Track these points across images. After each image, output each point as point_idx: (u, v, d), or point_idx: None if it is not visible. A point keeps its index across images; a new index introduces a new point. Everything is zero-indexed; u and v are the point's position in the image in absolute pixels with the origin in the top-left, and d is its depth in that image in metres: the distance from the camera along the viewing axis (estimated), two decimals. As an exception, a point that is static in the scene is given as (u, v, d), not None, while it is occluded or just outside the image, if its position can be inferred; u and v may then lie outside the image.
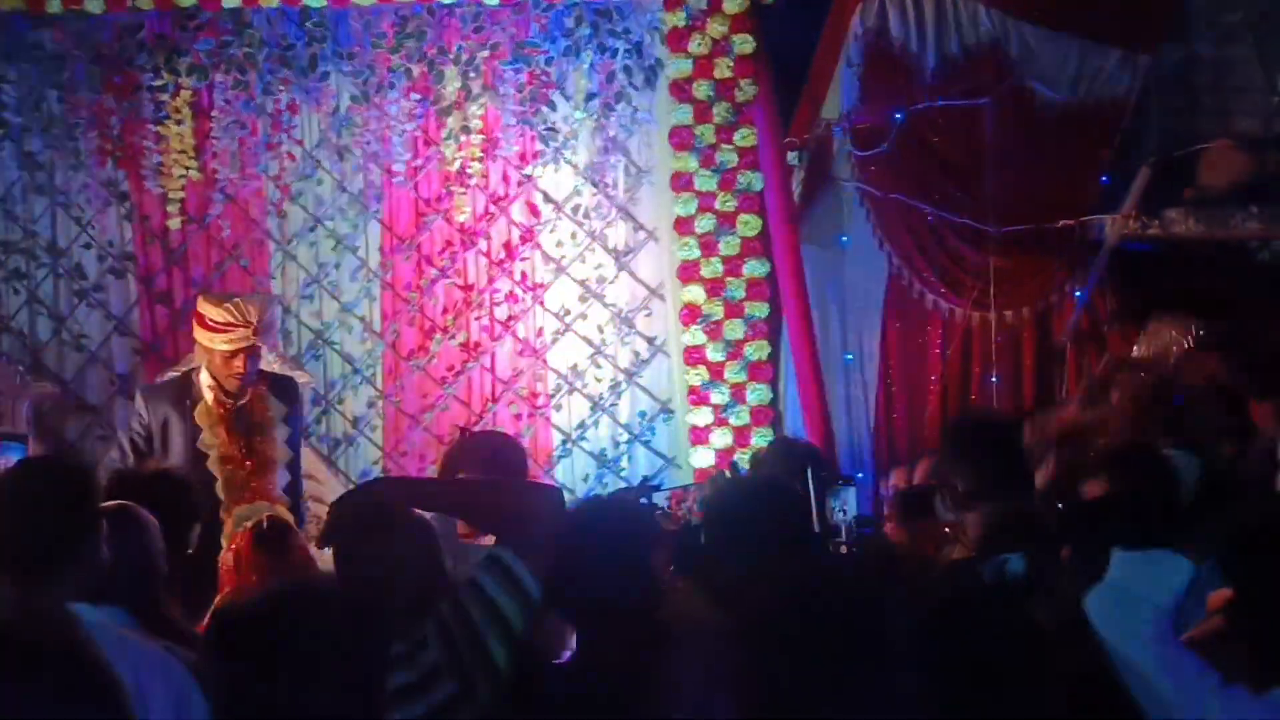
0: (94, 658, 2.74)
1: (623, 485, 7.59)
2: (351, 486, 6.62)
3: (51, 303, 8.15)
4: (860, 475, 8.02)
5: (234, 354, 6.27)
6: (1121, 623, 3.03)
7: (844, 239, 8.31)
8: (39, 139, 7.84)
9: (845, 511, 4.50)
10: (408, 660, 3.34)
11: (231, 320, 6.24)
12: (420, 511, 3.66)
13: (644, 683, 3.47)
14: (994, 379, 8.14)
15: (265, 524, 4.87)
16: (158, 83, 7.76)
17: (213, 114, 7.83)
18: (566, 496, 7.58)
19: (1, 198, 8.08)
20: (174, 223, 7.98)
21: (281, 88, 7.84)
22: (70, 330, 8.14)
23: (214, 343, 6.29)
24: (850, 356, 8.30)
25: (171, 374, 6.94)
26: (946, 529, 4.60)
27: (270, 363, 7.05)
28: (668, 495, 4.64)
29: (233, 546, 4.83)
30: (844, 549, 4.50)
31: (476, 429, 7.58)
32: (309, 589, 2.84)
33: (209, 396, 6.36)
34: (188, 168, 7.86)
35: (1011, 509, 4.40)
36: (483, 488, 4.30)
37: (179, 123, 7.82)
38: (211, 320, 6.30)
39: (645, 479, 4.42)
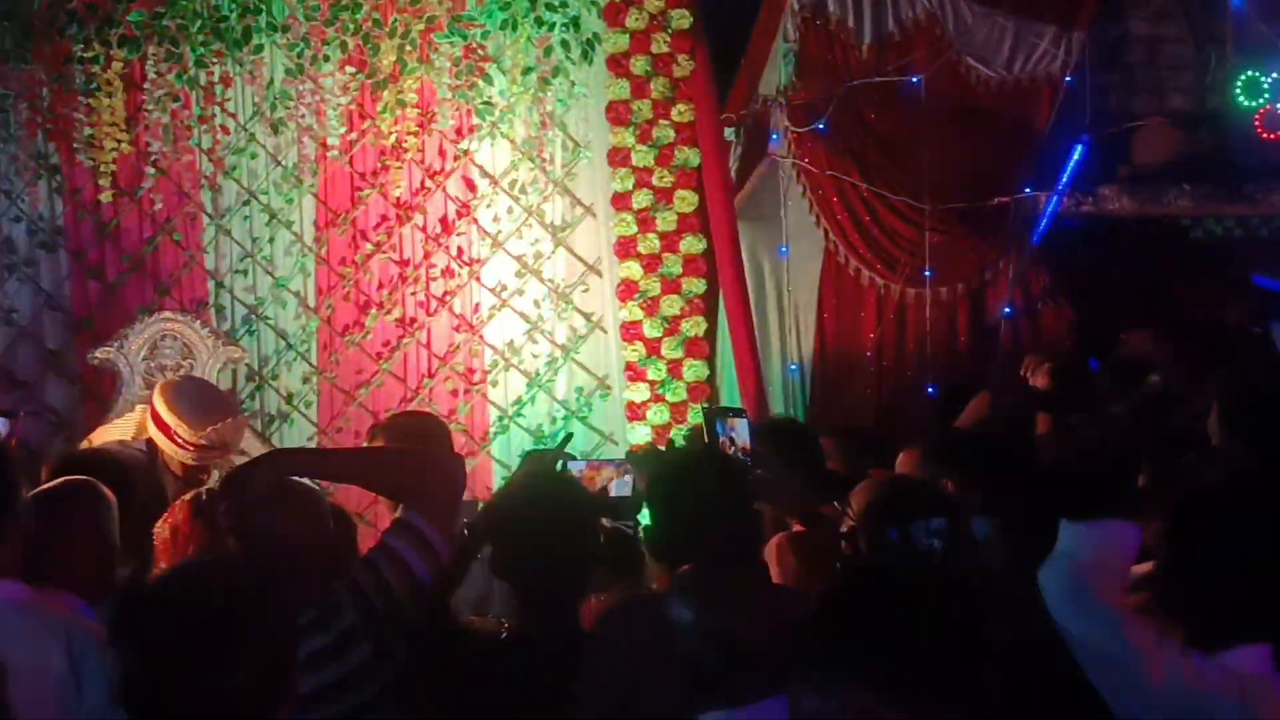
0: None
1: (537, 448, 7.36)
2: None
3: None
4: None
5: (199, 465, 5.83)
6: (1077, 594, 2.99)
7: (780, 215, 8.31)
8: None
9: (734, 442, 4.51)
10: (320, 625, 3.39)
11: (208, 445, 5.77)
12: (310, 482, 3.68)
13: (576, 668, 3.48)
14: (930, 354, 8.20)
15: (204, 495, 4.65)
16: (89, 54, 7.65)
17: (145, 86, 7.73)
18: (501, 471, 7.91)
19: None
20: (105, 196, 7.87)
21: (214, 60, 7.75)
22: (0, 304, 8.05)
23: (176, 454, 5.77)
24: (790, 346, 8.32)
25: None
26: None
27: (204, 338, 7.11)
28: (583, 466, 4.61)
29: (168, 519, 4.59)
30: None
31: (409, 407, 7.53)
32: (210, 565, 2.84)
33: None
34: (119, 140, 7.76)
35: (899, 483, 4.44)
36: (383, 456, 4.30)
37: (110, 95, 7.72)
38: (181, 439, 5.74)
39: (557, 436, 4.27)
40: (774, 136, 8.26)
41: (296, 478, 3.70)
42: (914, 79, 8.09)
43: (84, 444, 6.22)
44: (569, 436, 4.80)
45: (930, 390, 8.11)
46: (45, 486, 3.93)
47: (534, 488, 3.95)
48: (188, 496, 4.63)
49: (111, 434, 6.17)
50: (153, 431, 5.81)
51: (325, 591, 3.45)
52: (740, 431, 4.54)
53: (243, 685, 2.48)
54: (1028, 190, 8.19)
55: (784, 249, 8.33)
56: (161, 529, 4.58)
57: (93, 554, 3.80)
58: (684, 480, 3.85)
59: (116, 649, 2.54)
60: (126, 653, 2.52)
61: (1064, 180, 8.18)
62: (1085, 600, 2.97)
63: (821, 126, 8.09)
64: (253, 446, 7.27)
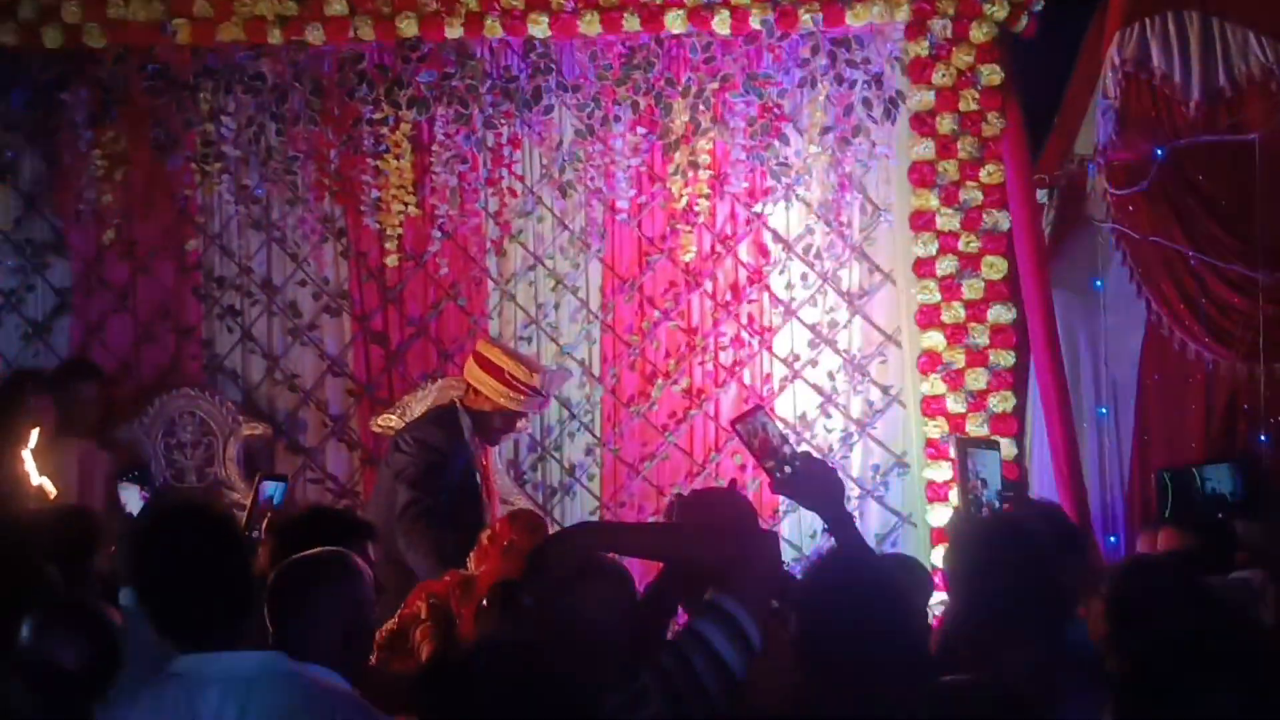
0: None
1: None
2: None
3: (265, 341, 8.03)
4: (1114, 539, 7.59)
5: (516, 415, 6.67)
6: None
7: (1098, 283, 7.83)
8: (256, 173, 7.76)
9: (984, 481, 4.25)
10: (626, 713, 3.26)
11: (537, 388, 6.58)
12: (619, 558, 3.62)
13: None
14: (1262, 438, 7.55)
15: (520, 510, 5.74)
16: (377, 115, 7.63)
17: (433, 148, 7.68)
18: (792, 553, 7.53)
19: (217, 233, 8.00)
20: (391, 260, 7.84)
21: (503, 121, 7.68)
22: (283, 370, 8.01)
23: (502, 396, 6.57)
24: (1104, 411, 7.80)
25: (430, 408, 6.99)
26: None
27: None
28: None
29: (493, 530, 5.45)
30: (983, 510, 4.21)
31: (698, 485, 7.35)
32: (515, 643, 2.84)
33: (466, 432, 6.64)
34: (406, 203, 7.72)
35: None
36: (695, 534, 4.04)
37: (398, 157, 7.69)
38: (514, 378, 6.56)
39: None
40: (1091, 199, 7.81)
41: (605, 553, 3.62)
42: (1249, 137, 7.52)
43: (396, 412, 7.41)
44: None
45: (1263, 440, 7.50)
46: (296, 557, 3.82)
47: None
48: (507, 512, 5.76)
49: (424, 404, 7.22)
50: (477, 377, 6.60)
51: (629, 677, 3.32)
52: (990, 466, 4.25)
53: None
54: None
55: (1103, 321, 7.81)
56: (482, 536, 5.40)
57: (338, 626, 3.63)
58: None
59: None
60: None
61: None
62: None
63: (1144, 188, 7.59)
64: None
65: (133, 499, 6.62)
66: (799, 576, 4.45)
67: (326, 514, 4.80)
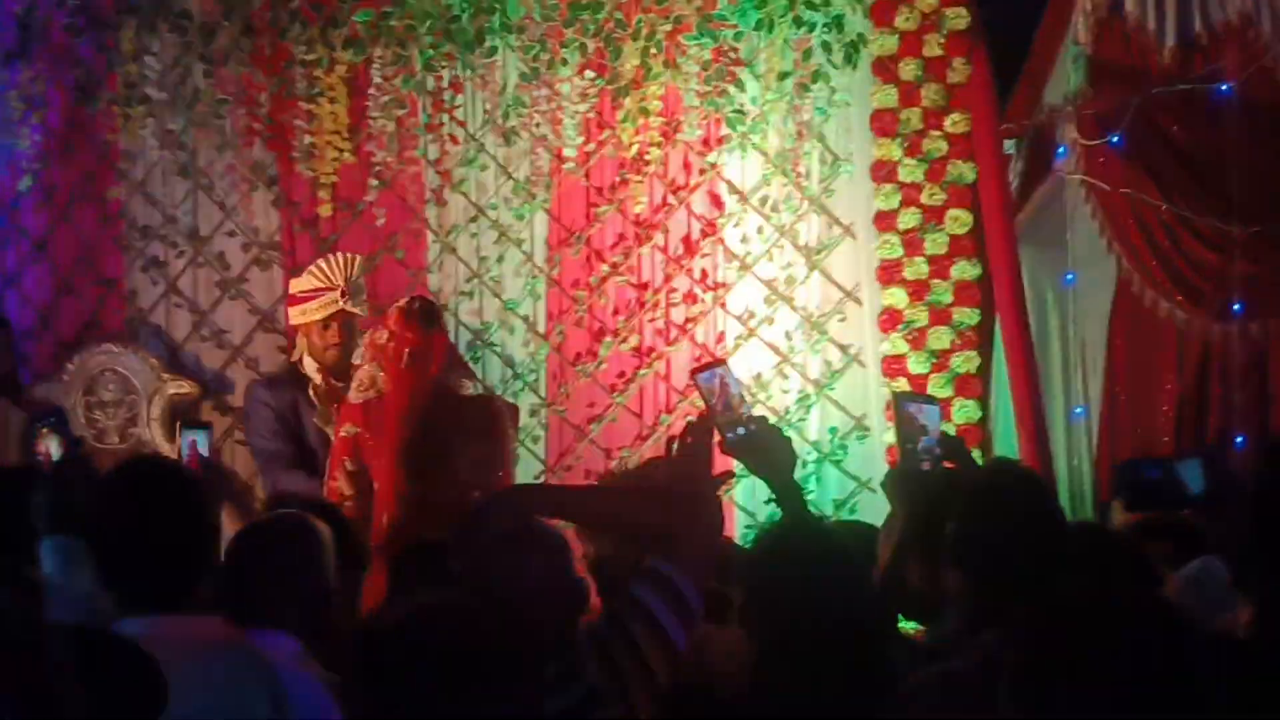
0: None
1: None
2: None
3: (191, 294, 7.74)
4: (1077, 508, 7.41)
5: (327, 322, 6.37)
6: None
7: (1066, 238, 7.63)
8: (182, 117, 7.42)
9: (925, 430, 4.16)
10: (561, 684, 3.24)
11: (318, 285, 6.39)
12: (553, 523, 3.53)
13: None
14: (1239, 440, 7.44)
15: (413, 301, 5.81)
16: (311, 56, 7.29)
17: (369, 91, 7.34)
18: (744, 519, 7.28)
19: (141, 180, 7.67)
20: (325, 209, 7.54)
21: (444, 64, 7.35)
22: (211, 325, 7.73)
23: (306, 314, 6.43)
24: (1079, 408, 7.65)
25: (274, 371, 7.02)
26: None
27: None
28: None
29: (384, 326, 5.67)
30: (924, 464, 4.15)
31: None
32: (456, 607, 2.76)
33: (317, 380, 6.41)
34: (341, 150, 7.40)
35: None
36: (634, 497, 4.04)
37: (333, 101, 7.35)
38: (299, 293, 6.47)
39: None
40: (1060, 150, 7.63)
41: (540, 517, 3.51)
42: (1224, 87, 7.38)
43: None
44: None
45: (1239, 441, 7.33)
46: (255, 521, 3.96)
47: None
48: (400, 303, 5.80)
49: None
50: (291, 318, 6.65)
51: (563, 645, 3.28)
52: (930, 418, 4.14)
53: None
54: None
55: (1070, 277, 7.64)
56: (377, 335, 5.67)
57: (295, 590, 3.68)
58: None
59: (354, 692, 2.63)
60: (366, 697, 2.58)
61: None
62: None
63: (1115, 139, 7.41)
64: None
65: (53, 446, 6.29)
66: (747, 547, 4.48)
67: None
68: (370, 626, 3.54)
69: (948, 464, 4.12)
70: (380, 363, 5.67)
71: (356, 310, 6.43)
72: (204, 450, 5.15)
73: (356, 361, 5.89)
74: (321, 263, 6.51)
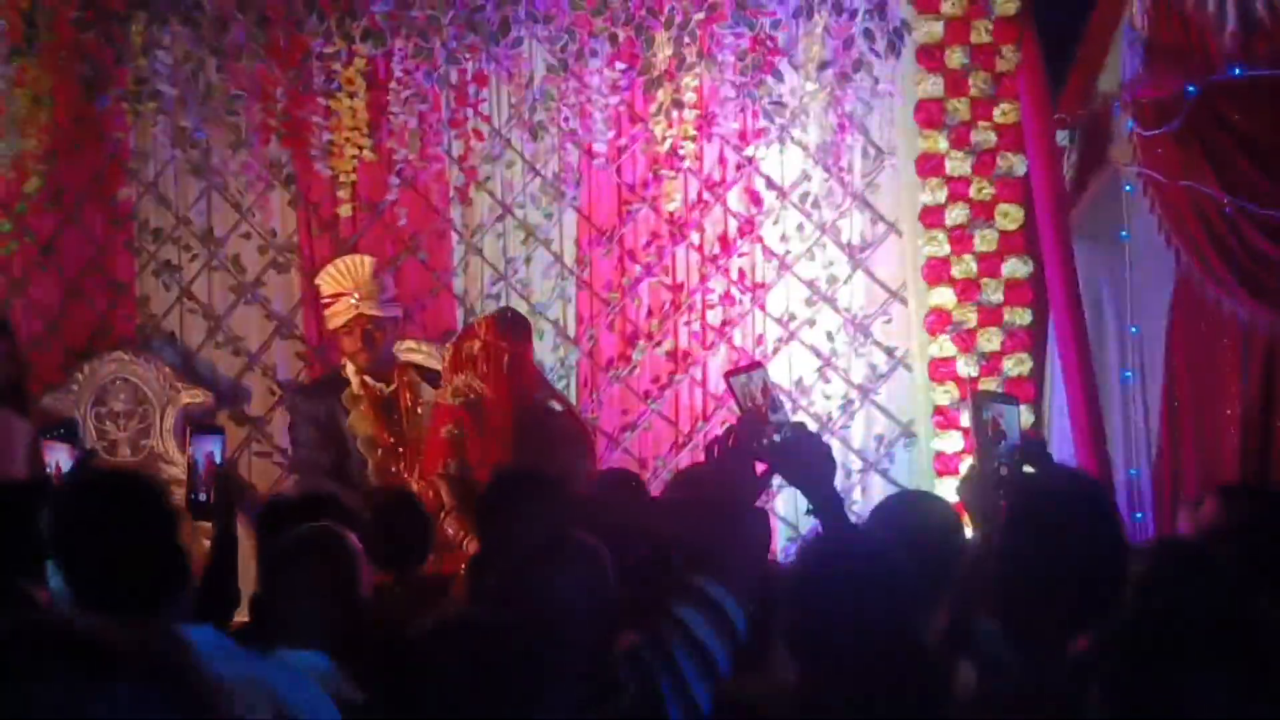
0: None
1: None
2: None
3: (206, 300, 7.65)
4: (1139, 516, 7.19)
5: (349, 327, 6.45)
6: None
7: (1123, 233, 7.45)
8: (195, 113, 7.30)
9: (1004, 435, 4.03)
10: (596, 705, 3.17)
11: (337, 290, 6.48)
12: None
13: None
14: None
15: (508, 312, 6.33)
16: (329, 50, 7.17)
17: (390, 85, 7.24)
18: (787, 532, 7.09)
19: (152, 180, 7.58)
20: (345, 210, 7.48)
21: (468, 56, 7.23)
22: (226, 331, 7.63)
23: (330, 321, 6.59)
24: (1129, 374, 7.42)
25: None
26: None
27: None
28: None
29: (473, 337, 6.10)
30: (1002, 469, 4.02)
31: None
32: (483, 622, 2.81)
33: (354, 382, 6.51)
34: (361, 147, 7.28)
35: None
36: (681, 511, 4.11)
37: (352, 95, 7.25)
38: (323, 299, 6.60)
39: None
40: (1116, 141, 7.46)
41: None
42: None
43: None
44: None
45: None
46: (285, 537, 4.01)
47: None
48: (491, 314, 6.37)
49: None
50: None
51: (601, 663, 3.21)
52: (1009, 420, 4.00)
53: None
54: None
55: (1127, 273, 7.46)
56: (467, 345, 6.08)
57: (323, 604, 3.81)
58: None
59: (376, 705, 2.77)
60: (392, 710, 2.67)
61: None
62: None
63: (1174, 128, 7.22)
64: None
65: (63, 458, 6.07)
66: (787, 564, 4.36)
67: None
68: (399, 640, 3.56)
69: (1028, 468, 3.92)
70: (476, 371, 6.01)
71: (377, 312, 6.48)
72: (218, 457, 4.93)
73: (423, 364, 6.50)
74: (331, 268, 6.63)
